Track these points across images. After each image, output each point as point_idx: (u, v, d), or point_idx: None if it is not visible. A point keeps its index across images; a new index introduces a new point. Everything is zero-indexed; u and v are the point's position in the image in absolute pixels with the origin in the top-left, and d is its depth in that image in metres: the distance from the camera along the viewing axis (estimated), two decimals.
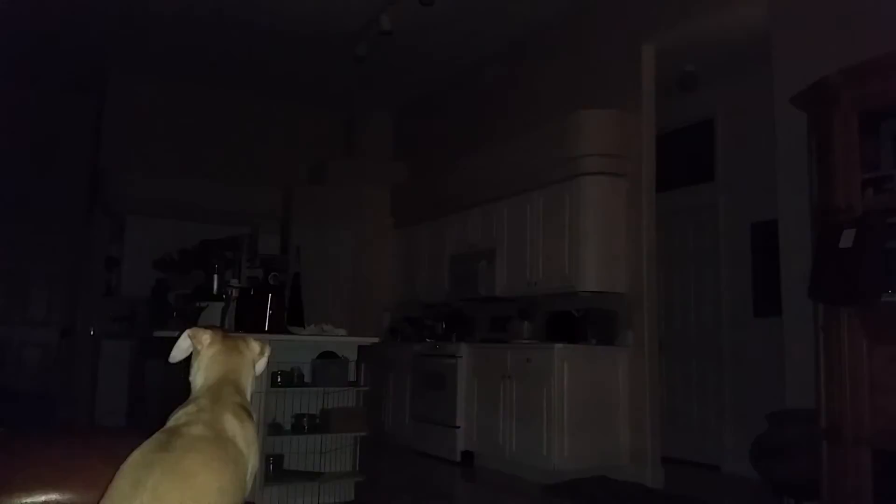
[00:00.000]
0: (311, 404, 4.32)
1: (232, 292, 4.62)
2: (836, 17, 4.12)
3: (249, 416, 1.32)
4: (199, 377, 1.37)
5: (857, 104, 3.38)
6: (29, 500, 1.38)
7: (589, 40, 6.03)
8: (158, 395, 4.91)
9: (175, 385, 1.43)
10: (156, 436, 1.19)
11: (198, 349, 1.40)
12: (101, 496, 1.13)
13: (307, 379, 4.38)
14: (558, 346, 5.12)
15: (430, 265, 7.36)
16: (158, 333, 4.33)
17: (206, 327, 1.47)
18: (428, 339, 6.75)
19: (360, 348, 4.66)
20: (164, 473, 1.09)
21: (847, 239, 3.21)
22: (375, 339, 4.89)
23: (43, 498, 1.39)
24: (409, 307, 7.75)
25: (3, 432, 1.52)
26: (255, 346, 1.48)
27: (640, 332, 5.23)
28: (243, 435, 1.26)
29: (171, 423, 1.24)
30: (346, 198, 8.04)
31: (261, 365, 1.49)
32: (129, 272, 7.39)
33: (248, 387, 1.42)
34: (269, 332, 4.26)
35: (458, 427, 5.86)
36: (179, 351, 1.42)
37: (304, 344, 4.41)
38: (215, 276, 5.17)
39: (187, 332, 1.41)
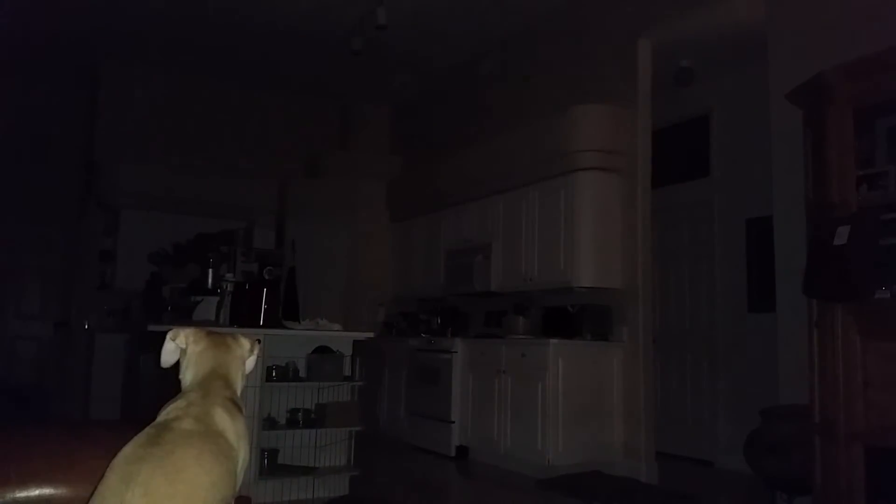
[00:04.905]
0: (306, 399, 4.32)
1: (227, 286, 4.61)
2: (833, 14, 4.12)
3: (239, 409, 1.33)
4: (188, 374, 1.37)
5: (853, 101, 3.37)
6: (23, 494, 1.38)
7: (585, 35, 6.02)
8: (153, 389, 4.90)
9: (169, 379, 1.43)
10: (146, 430, 1.19)
11: (183, 348, 1.40)
12: (93, 491, 1.13)
13: (302, 373, 4.38)
14: (553, 341, 5.13)
15: (426, 260, 7.35)
16: (153, 327, 4.32)
17: (186, 326, 1.47)
18: (423, 334, 6.75)
19: (356, 343, 4.66)
20: (155, 468, 1.10)
21: (841, 235, 3.21)
22: (370, 334, 4.89)
23: (37, 492, 1.39)
24: (405, 302, 7.76)
25: None
26: (244, 342, 1.48)
27: (635, 328, 5.24)
28: (233, 429, 1.26)
29: (161, 417, 1.25)
30: (342, 192, 8.03)
31: (250, 362, 1.49)
32: (124, 266, 7.37)
33: (238, 381, 1.42)
34: (264, 326, 4.26)
35: (453, 422, 5.87)
36: (167, 354, 1.42)
37: (300, 338, 4.41)
38: (210, 271, 5.17)
39: (168, 334, 1.42)
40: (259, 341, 1.56)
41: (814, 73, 3.53)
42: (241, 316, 4.32)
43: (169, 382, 1.43)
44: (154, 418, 1.25)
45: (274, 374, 4.21)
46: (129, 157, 7.59)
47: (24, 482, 1.38)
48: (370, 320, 7.47)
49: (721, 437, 5.81)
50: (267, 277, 4.61)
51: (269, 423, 4.17)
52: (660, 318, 6.27)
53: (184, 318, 4.96)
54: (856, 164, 3.37)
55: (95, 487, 1.12)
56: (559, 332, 5.38)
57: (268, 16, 6.61)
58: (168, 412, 1.25)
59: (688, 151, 6.47)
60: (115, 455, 1.15)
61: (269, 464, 4.11)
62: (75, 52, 7.56)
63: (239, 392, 1.40)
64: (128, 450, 1.15)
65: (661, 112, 5.73)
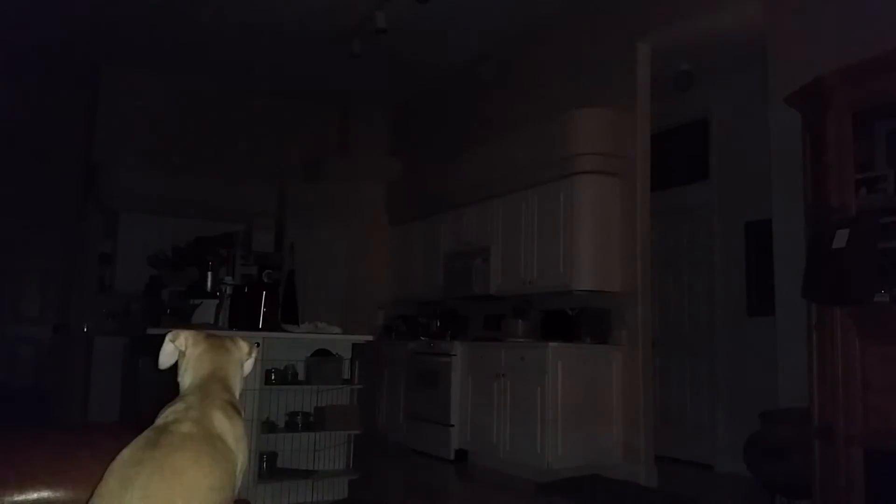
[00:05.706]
0: (306, 402, 4.32)
1: (226, 289, 4.61)
2: (832, 18, 4.13)
3: (238, 412, 1.33)
4: (187, 377, 1.37)
5: (851, 104, 3.38)
6: (21, 497, 1.37)
7: (584, 39, 6.02)
8: (152, 392, 4.90)
9: (168, 382, 1.43)
10: (145, 434, 1.19)
11: (182, 350, 1.40)
12: (91, 494, 1.13)
13: (301, 377, 4.37)
14: (552, 344, 5.12)
15: (425, 263, 7.35)
16: (152, 331, 4.31)
17: (186, 328, 1.47)
18: (422, 337, 6.75)
19: (355, 346, 4.66)
20: (154, 471, 1.09)
21: (840, 239, 3.22)
22: (370, 337, 4.89)
23: (35, 495, 1.39)
24: (404, 305, 7.75)
25: None
26: (243, 345, 1.48)
27: (634, 331, 5.24)
28: (232, 432, 1.26)
29: (159, 420, 1.24)
30: (341, 195, 8.03)
31: (248, 365, 1.49)
32: (123, 269, 7.37)
33: (237, 384, 1.42)
34: (264, 329, 4.25)
35: (452, 425, 5.86)
36: (165, 356, 1.42)
37: (299, 341, 4.40)
38: (209, 273, 5.17)
39: (168, 335, 1.42)
40: (258, 345, 1.56)
41: (812, 77, 3.54)
42: (240, 319, 4.31)
43: (167, 385, 1.43)
44: (153, 421, 1.25)
45: (273, 377, 4.20)
46: (129, 160, 7.59)
47: (23, 485, 1.38)
48: (369, 323, 7.47)
49: (720, 441, 5.80)
50: (266, 280, 4.62)
51: (268, 427, 4.17)
52: (659, 322, 6.27)
53: (183, 321, 4.95)
54: (855, 168, 3.37)
55: (94, 490, 1.12)
56: (558, 335, 5.38)
57: (268, 18, 6.61)
58: (166, 415, 1.25)
59: (687, 155, 6.47)
60: (113, 458, 1.15)
61: (267, 467, 4.11)
62: (75, 55, 7.56)
63: (237, 395, 1.40)
64: (126, 453, 1.15)
65: (660, 115, 5.73)
